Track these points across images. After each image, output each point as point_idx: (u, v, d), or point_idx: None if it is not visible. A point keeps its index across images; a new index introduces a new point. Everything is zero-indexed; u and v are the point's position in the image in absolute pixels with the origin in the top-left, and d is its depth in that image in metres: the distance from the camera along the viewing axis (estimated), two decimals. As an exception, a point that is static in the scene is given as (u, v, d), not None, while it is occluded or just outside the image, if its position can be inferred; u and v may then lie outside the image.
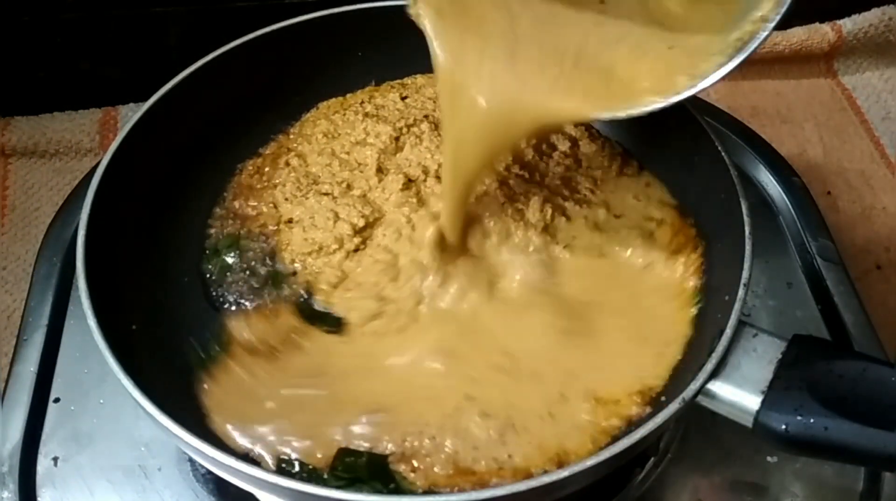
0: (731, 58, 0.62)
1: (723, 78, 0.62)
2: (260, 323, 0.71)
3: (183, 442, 0.58)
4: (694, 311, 0.70)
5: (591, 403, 0.65)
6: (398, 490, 0.62)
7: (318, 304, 0.73)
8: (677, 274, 0.73)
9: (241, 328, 0.71)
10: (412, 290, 0.71)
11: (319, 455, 0.63)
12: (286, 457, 0.63)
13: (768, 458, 0.74)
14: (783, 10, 0.60)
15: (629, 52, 0.64)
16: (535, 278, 0.72)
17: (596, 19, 0.66)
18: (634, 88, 0.63)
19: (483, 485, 0.61)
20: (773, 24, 0.61)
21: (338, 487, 0.61)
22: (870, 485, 0.73)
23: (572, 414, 0.64)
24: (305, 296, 0.73)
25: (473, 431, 0.63)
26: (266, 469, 0.62)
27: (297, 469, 0.63)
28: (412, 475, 0.62)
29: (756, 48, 0.62)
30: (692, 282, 0.72)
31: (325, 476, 0.63)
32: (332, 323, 0.71)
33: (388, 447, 0.63)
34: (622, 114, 0.63)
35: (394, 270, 0.72)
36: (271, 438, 0.64)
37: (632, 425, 0.63)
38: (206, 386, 0.67)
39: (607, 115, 0.64)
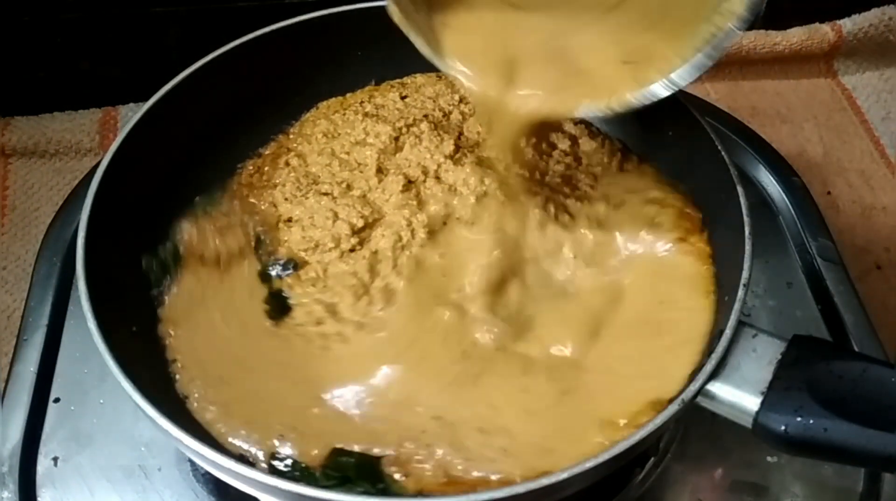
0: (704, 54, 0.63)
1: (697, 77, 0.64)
2: (208, 228, 0.75)
3: (182, 445, 0.58)
4: (713, 298, 0.69)
5: (600, 425, 0.64)
6: (386, 491, 0.62)
7: (284, 286, 0.73)
8: (690, 259, 0.72)
9: (189, 230, 0.75)
10: (362, 315, 0.71)
11: (314, 453, 0.63)
12: (279, 454, 0.64)
13: (768, 458, 0.74)
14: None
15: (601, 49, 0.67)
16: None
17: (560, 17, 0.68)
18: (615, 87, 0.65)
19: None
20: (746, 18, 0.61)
21: (328, 486, 0.61)
22: (870, 486, 0.73)
23: (580, 438, 0.63)
24: (280, 267, 0.74)
25: (469, 445, 0.63)
26: (258, 465, 0.63)
27: (289, 466, 0.63)
28: (404, 479, 0.62)
29: (727, 44, 0.62)
30: (706, 267, 0.71)
31: (318, 474, 0.63)
32: (277, 308, 0.72)
33: (384, 449, 0.63)
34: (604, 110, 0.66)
35: (362, 289, 0.72)
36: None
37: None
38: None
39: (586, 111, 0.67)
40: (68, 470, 0.73)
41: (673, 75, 0.64)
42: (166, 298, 0.72)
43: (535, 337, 0.69)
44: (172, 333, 0.70)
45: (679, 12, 0.65)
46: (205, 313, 0.71)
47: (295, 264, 0.74)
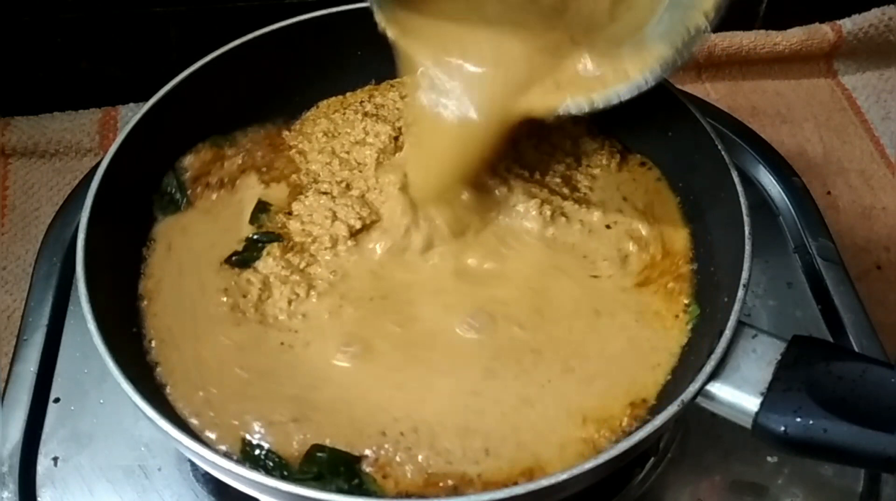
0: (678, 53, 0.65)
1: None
2: (208, 156, 0.79)
3: (183, 446, 0.58)
4: (684, 327, 0.70)
5: (579, 420, 0.64)
6: (361, 487, 0.62)
7: (269, 257, 0.73)
8: (652, 302, 0.71)
9: (192, 160, 0.79)
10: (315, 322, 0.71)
11: (295, 448, 0.63)
12: (253, 445, 0.64)
13: (768, 458, 0.74)
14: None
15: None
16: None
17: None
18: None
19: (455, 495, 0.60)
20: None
21: (303, 481, 0.61)
22: (870, 486, 0.73)
23: (556, 434, 0.64)
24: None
25: (447, 446, 0.63)
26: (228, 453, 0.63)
27: (264, 456, 0.63)
28: (383, 480, 0.62)
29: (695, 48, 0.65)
30: (674, 307, 0.71)
31: (294, 469, 0.63)
32: (240, 262, 0.73)
33: (363, 451, 0.63)
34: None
35: (304, 292, 0.72)
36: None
37: (624, 435, 0.63)
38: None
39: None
40: (68, 470, 0.73)
41: (624, 90, 0.66)
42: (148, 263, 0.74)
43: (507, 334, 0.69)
44: (149, 310, 0.71)
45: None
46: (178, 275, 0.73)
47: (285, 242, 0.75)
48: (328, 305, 0.71)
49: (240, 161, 0.80)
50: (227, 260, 0.74)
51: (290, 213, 0.77)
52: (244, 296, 0.71)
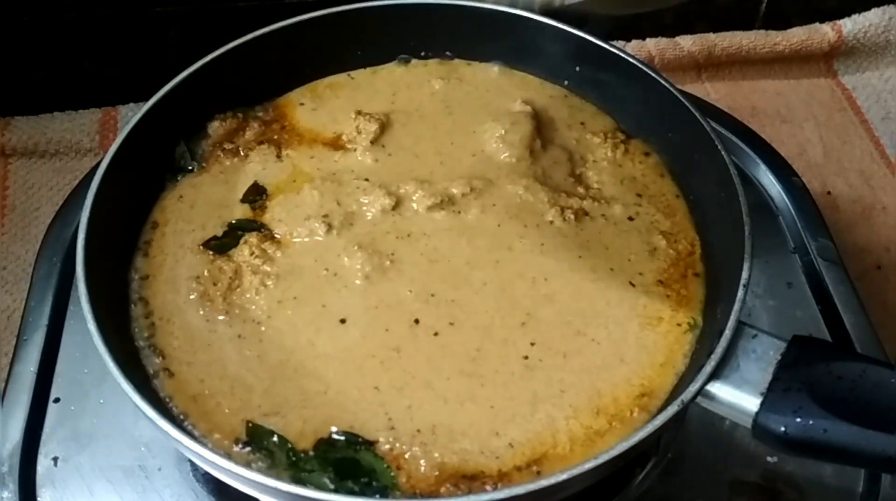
0: None
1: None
2: (234, 124, 0.81)
3: (183, 446, 0.58)
4: (690, 330, 0.69)
5: (593, 414, 0.64)
6: (370, 485, 0.61)
7: (242, 242, 0.73)
8: (664, 303, 0.71)
9: (217, 126, 0.81)
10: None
11: (303, 444, 0.63)
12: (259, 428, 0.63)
13: (768, 458, 0.74)
14: None
15: None
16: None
17: None
18: None
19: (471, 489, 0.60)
20: None
21: (315, 472, 0.61)
22: (870, 486, 0.73)
23: (568, 427, 0.64)
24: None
25: (466, 448, 0.62)
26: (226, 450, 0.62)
27: (270, 444, 0.63)
28: (396, 472, 0.62)
29: None
30: (682, 313, 0.70)
31: (303, 464, 0.62)
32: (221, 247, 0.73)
33: (376, 437, 0.63)
34: None
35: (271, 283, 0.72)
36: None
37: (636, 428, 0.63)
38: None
39: None
40: (68, 470, 0.73)
41: None
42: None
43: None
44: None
45: None
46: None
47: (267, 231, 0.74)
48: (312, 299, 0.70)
49: (257, 130, 0.82)
50: (206, 244, 0.73)
51: (270, 199, 0.76)
52: (215, 284, 0.70)
